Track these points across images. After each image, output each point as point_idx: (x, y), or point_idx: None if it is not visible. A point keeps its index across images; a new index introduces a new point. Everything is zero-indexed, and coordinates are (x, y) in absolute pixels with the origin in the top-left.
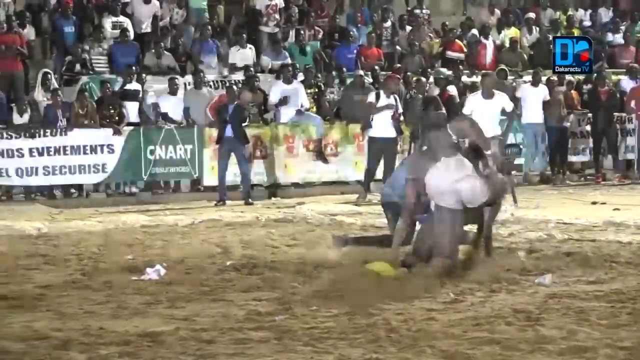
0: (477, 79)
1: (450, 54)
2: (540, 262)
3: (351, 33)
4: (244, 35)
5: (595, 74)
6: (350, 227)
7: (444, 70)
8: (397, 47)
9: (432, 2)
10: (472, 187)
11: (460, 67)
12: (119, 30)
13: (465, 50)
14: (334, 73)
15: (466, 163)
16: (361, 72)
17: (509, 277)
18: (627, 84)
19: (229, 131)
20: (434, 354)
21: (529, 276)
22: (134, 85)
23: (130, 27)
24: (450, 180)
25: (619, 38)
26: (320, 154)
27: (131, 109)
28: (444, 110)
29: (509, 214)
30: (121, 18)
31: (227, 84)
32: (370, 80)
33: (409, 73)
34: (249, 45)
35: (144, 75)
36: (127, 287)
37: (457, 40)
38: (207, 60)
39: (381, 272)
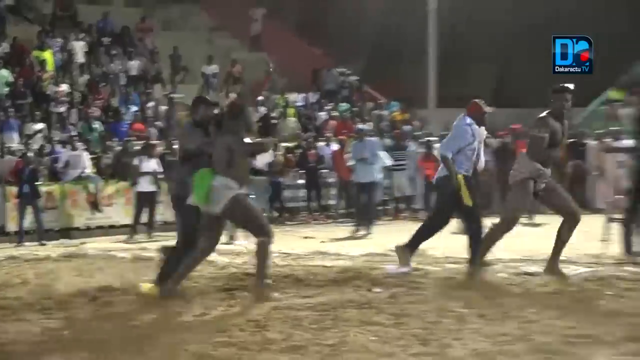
0: None
1: None
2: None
3: (122, 111)
4: (37, 113)
5: (305, 141)
6: (122, 260)
7: None
8: (157, 122)
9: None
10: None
11: None
12: None
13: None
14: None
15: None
16: (132, 141)
17: (242, 295)
18: (326, 149)
19: (25, 188)
20: (186, 354)
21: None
22: None
23: None
24: None
25: (324, 115)
26: (95, 205)
27: None
28: None
29: (243, 247)
30: None
31: (23, 152)
32: (139, 147)
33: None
34: (40, 124)
35: None
36: None
37: None
38: (8, 136)
39: (148, 292)
